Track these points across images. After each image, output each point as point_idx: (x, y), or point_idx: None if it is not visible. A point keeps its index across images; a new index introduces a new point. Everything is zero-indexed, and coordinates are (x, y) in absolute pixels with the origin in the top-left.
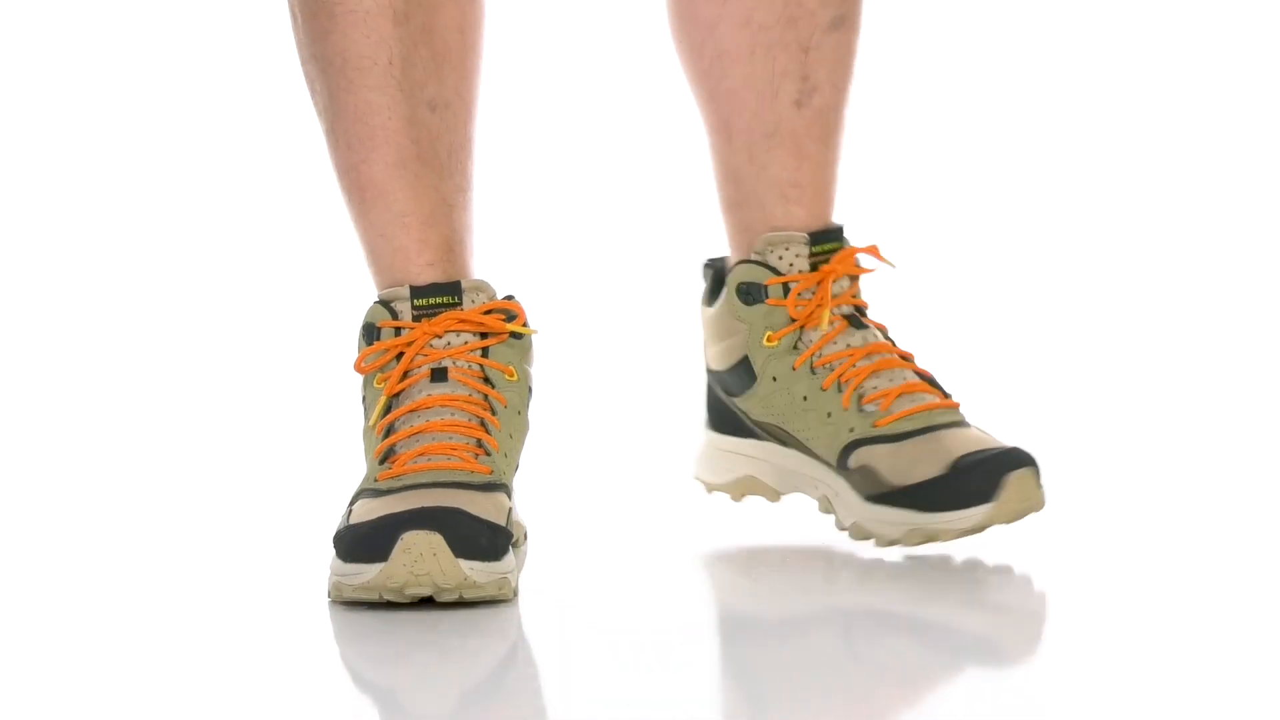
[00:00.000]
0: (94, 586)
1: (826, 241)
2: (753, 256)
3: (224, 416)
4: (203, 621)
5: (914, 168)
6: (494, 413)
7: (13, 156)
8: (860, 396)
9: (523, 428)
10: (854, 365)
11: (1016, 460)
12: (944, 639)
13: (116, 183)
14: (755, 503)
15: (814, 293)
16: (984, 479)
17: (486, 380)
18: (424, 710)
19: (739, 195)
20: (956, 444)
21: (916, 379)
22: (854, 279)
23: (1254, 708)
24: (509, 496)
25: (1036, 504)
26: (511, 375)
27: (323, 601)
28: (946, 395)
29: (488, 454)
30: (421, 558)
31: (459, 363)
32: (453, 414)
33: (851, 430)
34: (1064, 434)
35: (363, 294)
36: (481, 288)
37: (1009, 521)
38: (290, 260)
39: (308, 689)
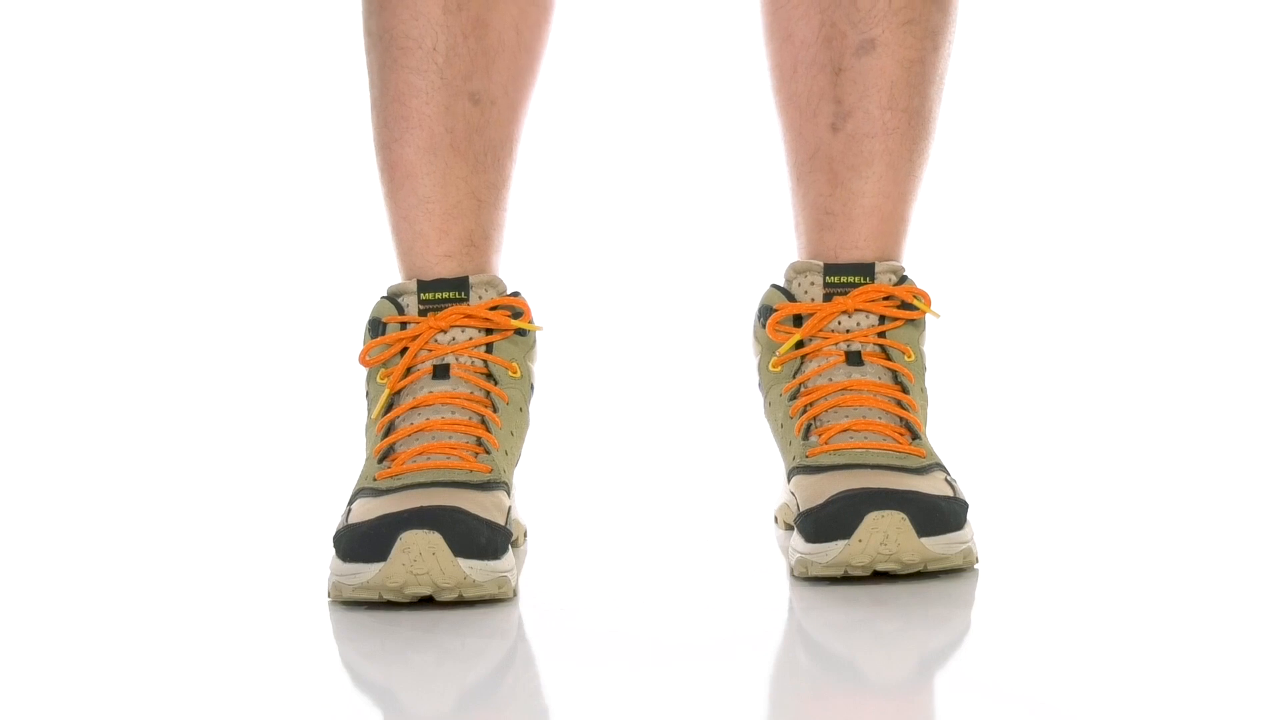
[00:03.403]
0: (94, 586)
1: (846, 274)
2: (780, 282)
3: (225, 414)
4: (203, 621)
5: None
6: (495, 409)
7: (22, 145)
8: (810, 428)
9: (524, 424)
10: (824, 398)
11: (885, 501)
12: (949, 640)
13: (123, 177)
14: (756, 505)
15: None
16: (845, 515)
17: (489, 376)
18: (423, 710)
19: (794, 217)
20: (858, 480)
21: (880, 420)
22: (883, 319)
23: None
24: (509, 494)
25: (910, 552)
26: (514, 371)
27: (323, 601)
28: (915, 442)
29: (488, 452)
30: (420, 557)
31: (462, 359)
32: (453, 412)
33: (794, 458)
34: (1058, 443)
35: (369, 289)
36: (491, 283)
37: (872, 563)
38: (296, 257)
39: (308, 689)
